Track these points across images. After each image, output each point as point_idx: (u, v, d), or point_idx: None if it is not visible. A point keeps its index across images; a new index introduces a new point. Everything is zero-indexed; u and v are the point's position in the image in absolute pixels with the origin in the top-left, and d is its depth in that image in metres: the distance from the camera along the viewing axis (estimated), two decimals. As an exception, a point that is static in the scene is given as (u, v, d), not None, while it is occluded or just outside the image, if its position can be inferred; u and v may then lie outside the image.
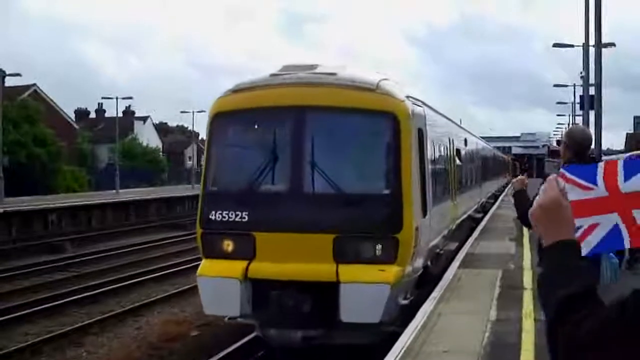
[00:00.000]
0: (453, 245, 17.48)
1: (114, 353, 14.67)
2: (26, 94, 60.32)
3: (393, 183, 11.14)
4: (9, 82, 48.39)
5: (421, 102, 13.26)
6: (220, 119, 11.85)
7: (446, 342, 9.33)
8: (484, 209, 31.44)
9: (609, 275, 6.77)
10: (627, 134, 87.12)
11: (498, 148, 67.81)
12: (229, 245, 11.23)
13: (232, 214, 11.20)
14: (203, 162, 12.10)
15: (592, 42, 26.92)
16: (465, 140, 24.11)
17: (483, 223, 26.86)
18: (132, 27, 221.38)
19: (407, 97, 11.87)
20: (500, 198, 44.19)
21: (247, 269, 10.97)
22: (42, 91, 64.71)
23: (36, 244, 31.52)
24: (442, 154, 16.20)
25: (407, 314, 11.08)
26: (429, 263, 13.02)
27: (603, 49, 25.80)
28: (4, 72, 44.49)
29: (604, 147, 29.68)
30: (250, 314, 11.22)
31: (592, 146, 22.47)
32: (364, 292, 10.49)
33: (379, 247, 10.79)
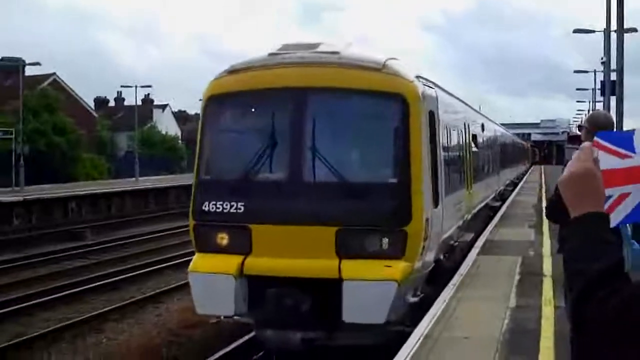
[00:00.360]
0: (469, 236, 16.36)
1: (134, 339, 14.74)
2: (46, 83, 60.60)
3: (401, 171, 10.26)
4: (29, 71, 48.78)
5: (433, 83, 12.39)
6: (214, 102, 11.00)
7: (465, 329, 9.30)
8: (502, 197, 30.51)
9: (631, 262, 6.69)
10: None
11: (517, 135, 67.52)
12: (223, 239, 10.39)
13: (226, 205, 10.35)
14: (197, 149, 11.20)
15: (613, 27, 26.67)
16: (483, 126, 23.11)
17: (502, 210, 26.76)
18: (150, 16, 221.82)
19: (418, 77, 11.07)
20: (520, 185, 44.02)
21: (242, 264, 10.13)
22: (61, 80, 64.96)
23: (56, 232, 31.75)
24: (457, 139, 15.20)
25: (417, 312, 10.44)
26: (441, 256, 12.22)
27: (625, 34, 25.54)
28: (24, 61, 44.77)
29: (624, 134, 29.33)
30: (246, 313, 10.39)
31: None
32: (368, 290, 9.67)
33: (385, 240, 9.94)
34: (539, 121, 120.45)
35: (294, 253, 9.97)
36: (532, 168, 76.22)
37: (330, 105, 10.73)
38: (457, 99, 17.21)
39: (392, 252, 9.92)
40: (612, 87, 28.70)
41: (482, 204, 20.46)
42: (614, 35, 26.67)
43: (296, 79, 10.51)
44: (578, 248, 1.97)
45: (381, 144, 10.76)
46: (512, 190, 37.06)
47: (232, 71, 10.88)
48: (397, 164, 10.40)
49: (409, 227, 9.99)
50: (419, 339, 8.81)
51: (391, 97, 10.39)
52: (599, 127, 6.83)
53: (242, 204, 10.31)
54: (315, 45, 10.96)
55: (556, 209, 6.84)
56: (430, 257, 11.01)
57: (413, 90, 10.47)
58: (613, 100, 27.76)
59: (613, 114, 25.20)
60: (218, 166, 11.19)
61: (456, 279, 12.65)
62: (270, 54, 10.83)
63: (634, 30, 33.51)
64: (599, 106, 41.82)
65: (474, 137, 19.05)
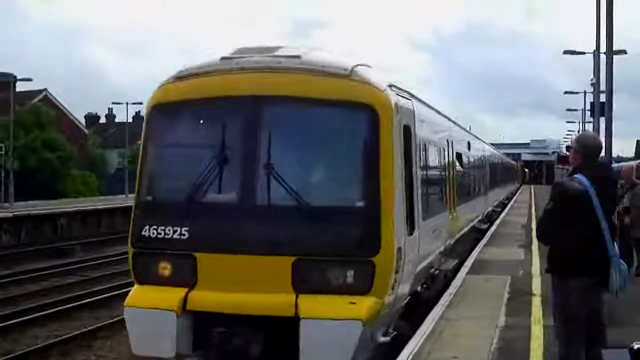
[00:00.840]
0: (452, 263, 15.00)
1: (123, 356, 14.68)
2: (37, 98, 60.63)
3: (369, 193, 8.97)
4: (20, 87, 48.70)
5: (409, 93, 10.96)
6: (158, 112, 9.74)
7: (454, 348, 9.31)
8: (490, 218, 29.43)
9: (619, 282, 6.74)
10: (637, 141, 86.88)
11: (507, 155, 67.71)
12: (165, 269, 9.13)
13: (169, 230, 9.11)
14: (138, 165, 9.92)
15: (603, 49, 26.87)
16: (469, 144, 21.57)
17: (492, 229, 26.81)
18: (140, 32, 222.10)
19: (391, 86, 9.70)
20: (510, 205, 44.12)
21: (186, 298, 8.88)
22: (52, 96, 64.98)
23: (45, 248, 31.63)
24: (438, 158, 13.80)
25: (390, 351, 9.42)
26: (419, 288, 11.08)
27: (614, 56, 25.73)
28: (15, 76, 44.70)
29: (614, 154, 29.60)
30: (190, 355, 9.18)
31: (603, 153, 22.44)
32: (330, 330, 8.46)
33: (349, 273, 8.67)
34: (529, 141, 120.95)
35: (245, 286, 8.75)
36: (522, 188, 76.45)
37: (289, 117, 9.48)
38: (440, 113, 15.65)
39: (357, 286, 8.67)
40: (601, 109, 28.87)
41: (468, 227, 19.09)
42: (603, 57, 26.87)
43: (250, 86, 9.27)
44: None
45: (347, 161, 9.41)
46: (502, 211, 36.91)
47: (180, 77, 9.69)
48: (365, 185, 9.12)
49: (378, 258, 8.71)
50: (408, 358, 8.82)
51: (358, 108, 9.14)
52: (587, 148, 6.92)
53: (187, 229, 9.08)
54: (274, 49, 9.71)
55: (547, 229, 6.91)
56: (404, 289, 9.69)
57: (384, 101, 9.20)
58: (603, 120, 27.92)
59: (602, 135, 25.34)
60: (161, 185, 9.82)
61: (445, 299, 12.66)
62: (223, 58, 9.62)
63: (624, 52, 33.78)
64: (589, 127, 42.08)
65: (459, 155, 17.76)
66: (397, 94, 9.81)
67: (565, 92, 58.00)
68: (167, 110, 9.76)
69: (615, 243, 6.86)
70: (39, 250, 31.10)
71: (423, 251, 10.55)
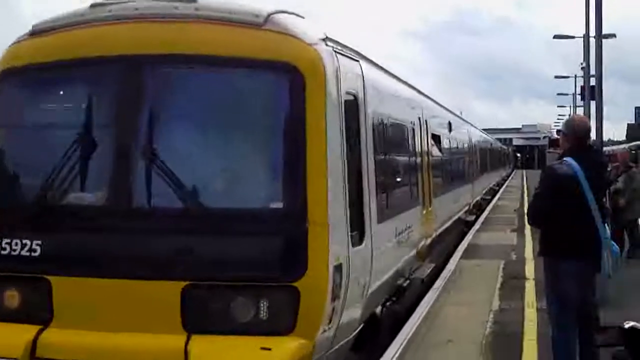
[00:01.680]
0: (429, 267, 12.04)
1: None
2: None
3: (291, 190, 6.38)
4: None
5: (356, 52, 8.13)
6: (7, 80, 7.02)
7: (449, 332, 9.39)
8: (479, 207, 27.50)
9: (610, 264, 6.83)
10: (628, 124, 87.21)
11: (499, 140, 67.87)
12: (12, 298, 6.52)
13: (15, 244, 6.48)
14: None
15: (592, 33, 26.96)
16: (450, 125, 18.36)
17: (484, 215, 26.93)
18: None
19: (326, 40, 6.93)
20: (502, 190, 44.27)
21: (35, 341, 6.23)
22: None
23: None
24: (405, 140, 11.12)
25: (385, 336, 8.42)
26: (377, 310, 8.60)
27: (603, 40, 25.83)
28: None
29: (605, 138, 29.72)
30: None
31: (593, 137, 22.56)
32: None
33: (263, 305, 6.16)
34: (520, 126, 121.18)
35: (117, 323, 6.19)
36: (514, 173, 76.71)
37: (178, 84, 6.75)
38: (407, 84, 12.56)
39: (274, 323, 6.16)
40: (591, 93, 28.99)
41: (451, 222, 16.70)
42: (593, 41, 26.97)
43: (126, 42, 6.67)
44: None
45: (259, 146, 6.77)
46: (493, 197, 36.46)
47: (36, 32, 7.01)
48: (285, 179, 6.45)
49: (304, 282, 6.15)
50: (402, 342, 8.89)
51: (275, 70, 6.50)
52: (575, 131, 6.98)
53: (39, 242, 6.44)
54: None
55: (537, 212, 6.98)
56: (352, 316, 7.15)
57: (313, 59, 6.53)
58: (593, 105, 28.05)
59: (593, 119, 25.46)
60: (5, 182, 6.99)
61: (439, 283, 12.76)
62: (94, 5, 6.96)
63: (613, 36, 33.89)
64: (580, 111, 42.22)
65: (436, 138, 14.97)
66: (336, 52, 6.99)
67: (556, 77, 58.25)
68: (14, 79, 7.02)
69: (606, 225, 6.94)
70: None
71: (380, 263, 8.03)
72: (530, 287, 12.24)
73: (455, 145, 19.49)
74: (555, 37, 39.59)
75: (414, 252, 10.88)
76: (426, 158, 12.81)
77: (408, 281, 10.22)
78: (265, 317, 6.17)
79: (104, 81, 6.85)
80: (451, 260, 15.50)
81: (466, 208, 21.51)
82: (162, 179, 6.37)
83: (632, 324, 7.54)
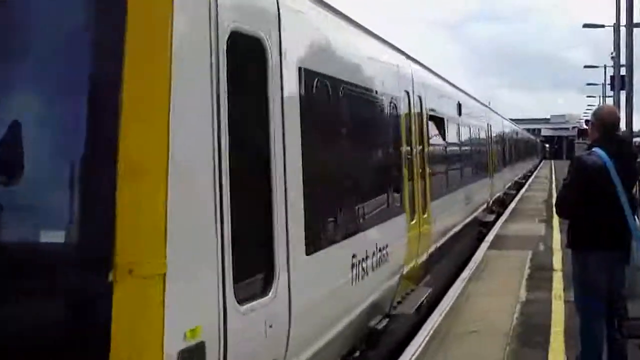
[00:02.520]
0: (425, 291, 9.54)
1: None
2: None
3: (82, 204, 3.61)
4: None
5: None
6: None
7: (475, 323, 9.35)
8: (502, 204, 24.54)
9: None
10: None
11: (527, 130, 67.41)
12: None
13: None
14: None
15: (623, 22, 26.67)
16: (459, 107, 14.81)
17: (512, 206, 26.76)
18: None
19: None
20: (530, 181, 43.97)
21: None
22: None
23: None
24: (376, 121, 8.12)
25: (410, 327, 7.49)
26: None
27: (635, 29, 25.55)
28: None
29: (635, 129, 29.43)
30: None
31: (623, 127, 22.35)
32: None
33: None
34: (549, 117, 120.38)
35: None
36: (542, 163, 76.24)
37: None
38: (387, 44, 9.23)
39: None
40: (621, 82, 28.70)
41: (459, 227, 13.58)
42: (623, 30, 26.68)
43: None
44: None
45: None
46: (519, 190, 34.50)
47: None
48: (71, 181, 3.71)
49: None
50: (429, 333, 8.87)
51: None
52: (604, 121, 6.90)
53: None
54: None
55: (566, 203, 6.91)
56: None
57: None
58: (623, 94, 27.77)
59: (623, 109, 25.22)
60: None
61: (466, 274, 12.71)
62: None
63: (644, 24, 33.48)
64: (609, 101, 41.81)
65: (438, 122, 11.89)
66: None
67: (585, 67, 57.53)
68: None
69: (636, 216, 6.86)
70: None
71: (315, 317, 5.49)
72: (557, 278, 12.15)
73: (467, 133, 16.23)
74: (584, 25, 39.13)
75: (395, 279, 8.24)
76: (419, 148, 9.81)
77: (387, 319, 7.84)
78: None
79: None
80: (478, 251, 15.42)
81: (483, 206, 18.76)
82: None
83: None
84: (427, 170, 10.16)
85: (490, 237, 17.63)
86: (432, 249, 10.35)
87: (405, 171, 8.83)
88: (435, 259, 10.74)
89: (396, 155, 8.66)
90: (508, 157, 29.95)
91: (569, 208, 6.85)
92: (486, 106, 24.13)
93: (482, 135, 20.17)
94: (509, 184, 29.23)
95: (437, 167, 11.34)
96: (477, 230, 17.52)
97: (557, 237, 16.95)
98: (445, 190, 12.05)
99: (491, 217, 20.30)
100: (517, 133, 41.92)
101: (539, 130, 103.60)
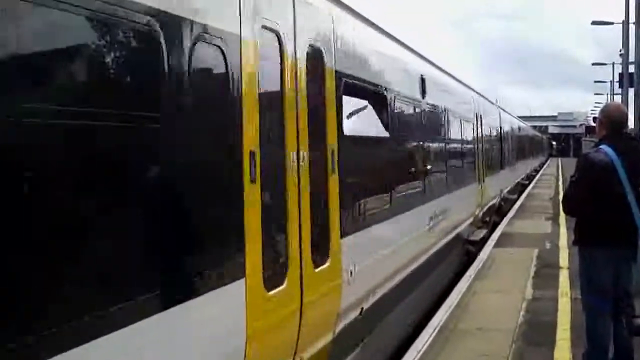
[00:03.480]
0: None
1: None
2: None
3: None
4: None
5: None
6: None
7: (481, 320, 9.34)
8: (498, 212, 21.08)
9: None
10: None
11: (534, 127, 67.23)
12: None
13: None
14: None
15: (632, 19, 26.59)
16: (423, 83, 10.47)
17: (519, 202, 26.71)
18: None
19: None
20: (536, 178, 43.92)
21: None
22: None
23: None
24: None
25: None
26: None
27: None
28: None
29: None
30: None
31: (632, 125, 22.27)
32: None
33: None
34: (556, 114, 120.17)
35: None
36: (549, 161, 76.08)
37: None
38: (367, 20, 7.78)
39: None
40: (630, 80, 28.62)
41: (422, 261, 9.87)
42: (632, 28, 26.60)
43: None
44: None
45: None
46: (523, 191, 32.44)
47: None
48: None
49: None
50: (435, 330, 8.86)
51: None
52: (611, 118, 6.87)
53: None
54: None
55: (573, 201, 6.89)
56: None
57: None
58: (632, 92, 27.70)
59: (631, 106, 25.13)
60: None
61: (472, 271, 12.70)
62: None
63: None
64: (618, 99, 41.70)
65: (371, 98, 7.78)
66: None
67: (594, 64, 57.52)
68: None
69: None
70: None
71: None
72: (564, 276, 12.12)
73: (435, 123, 11.76)
74: (593, 23, 39.06)
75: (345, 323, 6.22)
76: (336, 142, 6.09)
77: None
78: None
79: None
80: (484, 249, 15.40)
81: (468, 221, 14.74)
82: None
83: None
84: (342, 182, 6.10)
85: (496, 236, 17.62)
86: (365, 306, 6.99)
87: (292, 188, 5.14)
88: (373, 315, 7.32)
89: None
90: (509, 157, 26.13)
91: (576, 205, 6.82)
92: (478, 93, 19.20)
93: (470, 129, 15.75)
94: (509, 188, 25.25)
95: (361, 174, 7.06)
96: (459, 256, 14.04)
97: (563, 235, 16.91)
98: (376, 218, 7.41)
99: (481, 234, 16.11)
100: (520, 128, 36.67)
101: (546, 127, 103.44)
